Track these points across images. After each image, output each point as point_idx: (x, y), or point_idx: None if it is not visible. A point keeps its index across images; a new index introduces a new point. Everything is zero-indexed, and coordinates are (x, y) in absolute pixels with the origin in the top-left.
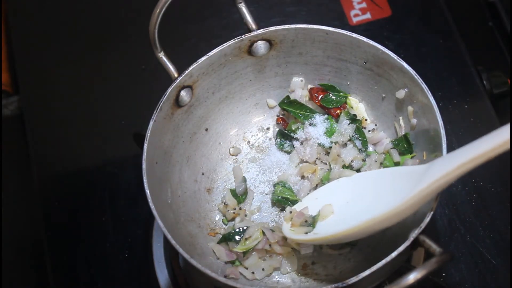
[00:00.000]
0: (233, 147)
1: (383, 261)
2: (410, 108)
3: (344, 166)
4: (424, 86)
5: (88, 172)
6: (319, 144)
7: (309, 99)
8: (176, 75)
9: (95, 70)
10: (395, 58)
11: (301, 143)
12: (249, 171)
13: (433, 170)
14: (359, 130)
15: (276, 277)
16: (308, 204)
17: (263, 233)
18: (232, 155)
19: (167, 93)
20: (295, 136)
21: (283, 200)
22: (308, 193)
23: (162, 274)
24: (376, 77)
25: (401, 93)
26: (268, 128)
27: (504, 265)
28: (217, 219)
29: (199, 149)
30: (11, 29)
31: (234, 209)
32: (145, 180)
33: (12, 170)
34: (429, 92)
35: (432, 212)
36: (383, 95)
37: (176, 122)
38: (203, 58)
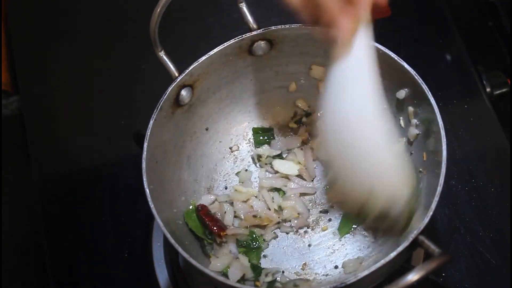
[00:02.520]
0: (233, 146)
1: (382, 261)
2: (410, 109)
3: None
4: (424, 86)
5: (88, 172)
6: None
7: None
8: (176, 74)
9: (95, 70)
10: (395, 58)
11: None
12: (250, 170)
13: None
14: None
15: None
16: None
17: None
18: (233, 154)
19: (167, 92)
20: None
21: None
22: None
23: (162, 274)
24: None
25: (401, 93)
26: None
27: (504, 265)
28: None
29: (199, 149)
30: (11, 29)
31: None
32: (144, 180)
33: (12, 170)
34: (429, 92)
35: (431, 212)
36: (384, 95)
37: (176, 122)
38: (203, 58)
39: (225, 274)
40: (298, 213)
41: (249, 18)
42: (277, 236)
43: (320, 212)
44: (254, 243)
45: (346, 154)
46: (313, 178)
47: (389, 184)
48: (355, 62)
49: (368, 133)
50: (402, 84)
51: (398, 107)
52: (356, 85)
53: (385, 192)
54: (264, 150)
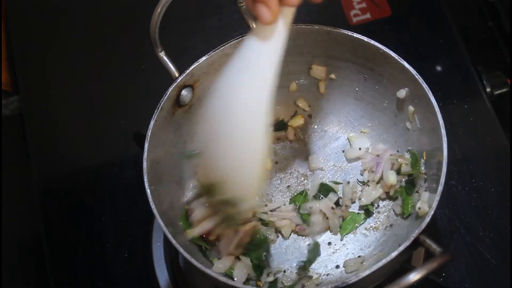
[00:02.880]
0: None
1: (384, 260)
2: (411, 108)
3: None
4: (425, 86)
5: (88, 172)
6: None
7: None
8: (177, 74)
9: (95, 70)
10: (396, 57)
11: None
12: None
13: None
14: None
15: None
16: None
17: None
18: None
19: (168, 92)
20: None
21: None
22: None
23: (162, 274)
24: (377, 77)
25: (401, 93)
26: None
27: (504, 265)
28: None
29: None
30: (11, 29)
31: None
32: (145, 180)
33: (12, 170)
34: (430, 92)
35: (432, 212)
36: (384, 95)
37: (177, 122)
38: (204, 58)
39: (227, 275)
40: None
41: (249, 18)
42: (278, 236)
43: None
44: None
45: (219, 136)
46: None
47: (242, 179)
48: (260, 52)
49: (243, 128)
50: (402, 83)
51: (398, 107)
52: (251, 82)
53: (237, 184)
54: None
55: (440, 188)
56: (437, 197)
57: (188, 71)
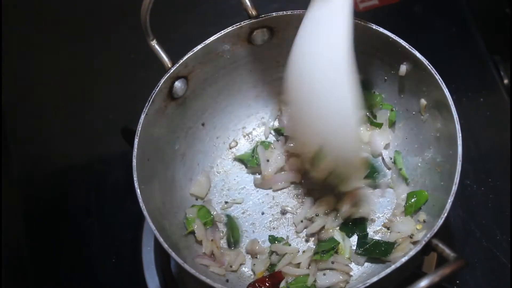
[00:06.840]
0: (232, 142)
1: (392, 267)
2: (423, 101)
3: None
4: (438, 77)
5: (73, 171)
6: None
7: None
8: (169, 64)
9: (80, 61)
10: (407, 46)
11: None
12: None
13: None
14: None
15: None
16: None
17: None
18: (231, 151)
19: (160, 84)
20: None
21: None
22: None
23: (152, 280)
24: (386, 67)
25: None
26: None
27: None
28: None
29: (195, 145)
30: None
31: None
32: (135, 179)
33: None
34: (444, 84)
35: (445, 213)
36: (394, 87)
37: (170, 116)
38: (199, 47)
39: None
40: None
41: (248, 4)
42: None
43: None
44: None
45: (308, 104)
46: None
47: (340, 145)
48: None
49: (332, 90)
50: (414, 75)
51: (408, 99)
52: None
53: (334, 152)
54: None
55: (454, 188)
56: (451, 198)
57: (181, 61)
